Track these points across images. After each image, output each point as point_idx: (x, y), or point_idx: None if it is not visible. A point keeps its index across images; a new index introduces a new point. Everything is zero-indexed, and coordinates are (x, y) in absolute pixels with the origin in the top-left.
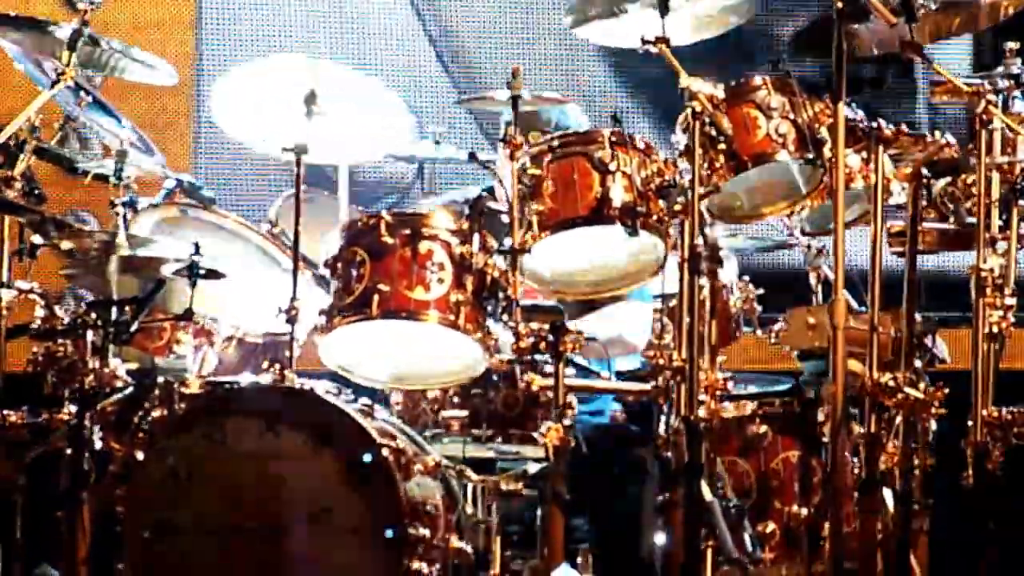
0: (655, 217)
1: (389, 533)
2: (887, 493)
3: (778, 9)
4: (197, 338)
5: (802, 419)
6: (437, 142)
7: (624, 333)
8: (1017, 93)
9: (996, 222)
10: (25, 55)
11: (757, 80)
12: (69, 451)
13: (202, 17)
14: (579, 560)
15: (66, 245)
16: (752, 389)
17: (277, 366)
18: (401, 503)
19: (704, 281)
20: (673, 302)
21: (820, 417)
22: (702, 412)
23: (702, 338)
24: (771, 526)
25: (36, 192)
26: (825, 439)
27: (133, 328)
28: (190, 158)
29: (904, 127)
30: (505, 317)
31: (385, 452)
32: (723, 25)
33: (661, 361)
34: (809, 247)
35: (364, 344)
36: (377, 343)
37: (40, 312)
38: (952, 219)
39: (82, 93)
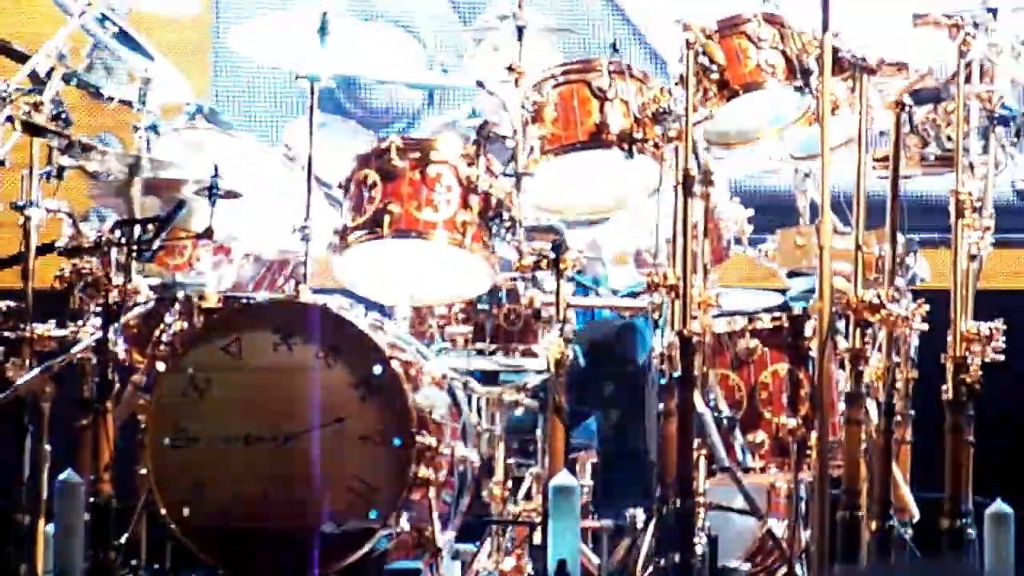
0: (651, 142)
1: (397, 441)
2: (871, 404)
3: None
4: (216, 255)
5: (791, 334)
6: (445, 70)
7: None
8: (995, 26)
9: (975, 148)
10: None
11: (747, 13)
12: (94, 362)
13: None
14: (577, 467)
15: (92, 167)
16: (743, 306)
17: (292, 282)
18: (409, 413)
19: (697, 203)
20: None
21: (808, 332)
22: (695, 327)
23: (695, 257)
24: (761, 436)
25: (64, 116)
26: (812, 353)
27: (155, 246)
28: (210, 85)
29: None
30: (509, 236)
31: (394, 364)
32: None
33: (657, 279)
34: (797, 171)
35: (376, 262)
36: (388, 261)
37: (67, 231)
38: (933, 145)
39: (107, 24)
